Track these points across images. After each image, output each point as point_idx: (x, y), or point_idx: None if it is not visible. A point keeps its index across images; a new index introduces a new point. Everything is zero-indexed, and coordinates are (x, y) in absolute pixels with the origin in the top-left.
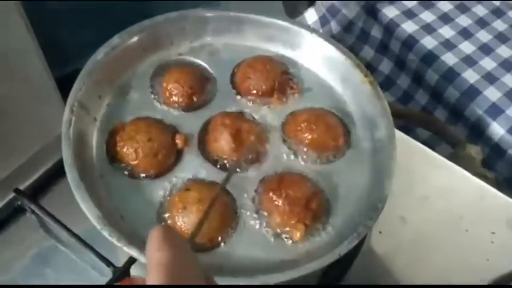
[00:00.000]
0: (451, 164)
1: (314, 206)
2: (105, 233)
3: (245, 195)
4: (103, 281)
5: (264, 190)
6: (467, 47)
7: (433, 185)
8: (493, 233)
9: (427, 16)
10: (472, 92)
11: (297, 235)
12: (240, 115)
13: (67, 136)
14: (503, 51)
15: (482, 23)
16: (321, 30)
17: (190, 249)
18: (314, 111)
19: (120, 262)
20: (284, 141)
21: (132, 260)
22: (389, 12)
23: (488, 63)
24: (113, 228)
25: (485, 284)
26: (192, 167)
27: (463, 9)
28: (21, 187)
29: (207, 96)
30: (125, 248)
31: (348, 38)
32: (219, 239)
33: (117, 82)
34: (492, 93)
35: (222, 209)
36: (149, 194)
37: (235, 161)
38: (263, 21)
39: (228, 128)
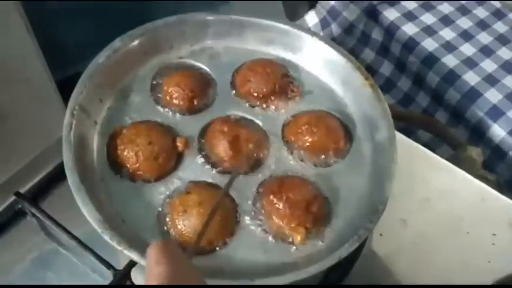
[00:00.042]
0: (452, 166)
1: (315, 209)
2: (106, 237)
3: (246, 198)
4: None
5: (264, 193)
6: (468, 49)
7: (434, 187)
8: (494, 234)
9: (428, 18)
10: (473, 94)
11: (298, 238)
12: (238, 121)
13: (68, 139)
14: (504, 53)
15: (482, 25)
16: (321, 33)
17: (189, 263)
18: (315, 113)
19: (120, 265)
20: (285, 144)
21: (132, 263)
22: (390, 14)
23: (489, 65)
24: (113, 232)
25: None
26: (193, 170)
27: (464, 11)
28: (22, 190)
29: (208, 100)
30: (126, 252)
31: (348, 41)
32: (220, 241)
33: (118, 85)
34: (493, 95)
35: (223, 212)
36: (150, 197)
37: (235, 166)
38: (263, 24)
39: (226, 135)
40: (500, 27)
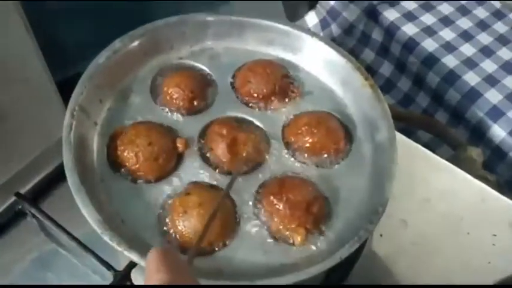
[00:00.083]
0: (452, 166)
1: (315, 210)
2: (106, 238)
3: (246, 198)
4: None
5: (264, 194)
6: (468, 50)
7: (434, 188)
8: (494, 235)
9: (428, 19)
10: (473, 95)
11: (298, 239)
12: (237, 123)
13: (68, 140)
14: (504, 53)
15: (483, 25)
16: (321, 33)
17: (188, 270)
18: (315, 114)
19: (120, 266)
20: (285, 144)
21: (132, 264)
22: (390, 15)
23: (489, 66)
24: (113, 233)
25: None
26: (193, 171)
27: (464, 12)
28: (22, 191)
29: (208, 100)
30: (126, 253)
31: (348, 41)
32: (220, 242)
33: (118, 86)
34: (493, 96)
35: (223, 213)
36: (150, 198)
37: (234, 168)
38: (263, 25)
39: (225, 138)
40: (500, 27)
